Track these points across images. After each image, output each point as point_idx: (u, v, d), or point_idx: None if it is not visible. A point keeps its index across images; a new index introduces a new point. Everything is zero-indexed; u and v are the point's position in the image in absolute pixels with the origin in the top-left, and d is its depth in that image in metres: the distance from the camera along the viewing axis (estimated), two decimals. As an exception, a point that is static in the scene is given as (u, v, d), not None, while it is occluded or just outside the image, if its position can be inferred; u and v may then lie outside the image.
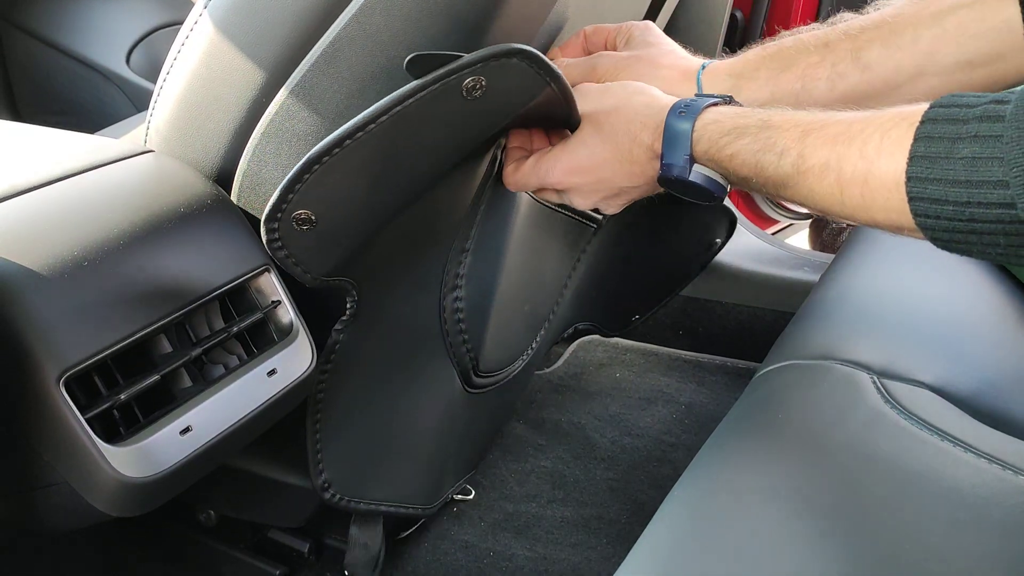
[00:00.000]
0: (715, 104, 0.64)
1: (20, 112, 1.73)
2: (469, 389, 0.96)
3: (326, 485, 0.83)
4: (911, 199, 0.51)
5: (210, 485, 0.73)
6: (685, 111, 0.63)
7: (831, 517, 0.58)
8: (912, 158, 0.51)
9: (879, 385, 0.70)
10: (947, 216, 0.50)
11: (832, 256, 1.13)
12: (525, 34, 0.68)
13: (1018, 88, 0.49)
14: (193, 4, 0.66)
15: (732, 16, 1.52)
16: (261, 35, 0.64)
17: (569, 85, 0.65)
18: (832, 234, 1.75)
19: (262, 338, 0.67)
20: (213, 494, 0.93)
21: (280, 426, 0.70)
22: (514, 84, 0.61)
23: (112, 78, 1.64)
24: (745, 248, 1.40)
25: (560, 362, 1.41)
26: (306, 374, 0.68)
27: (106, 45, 1.66)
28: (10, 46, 1.69)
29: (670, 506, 0.64)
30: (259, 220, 0.68)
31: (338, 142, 0.59)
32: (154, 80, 0.69)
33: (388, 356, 0.83)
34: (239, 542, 1.01)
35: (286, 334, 0.67)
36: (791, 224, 1.81)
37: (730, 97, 0.66)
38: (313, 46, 0.62)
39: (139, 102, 1.62)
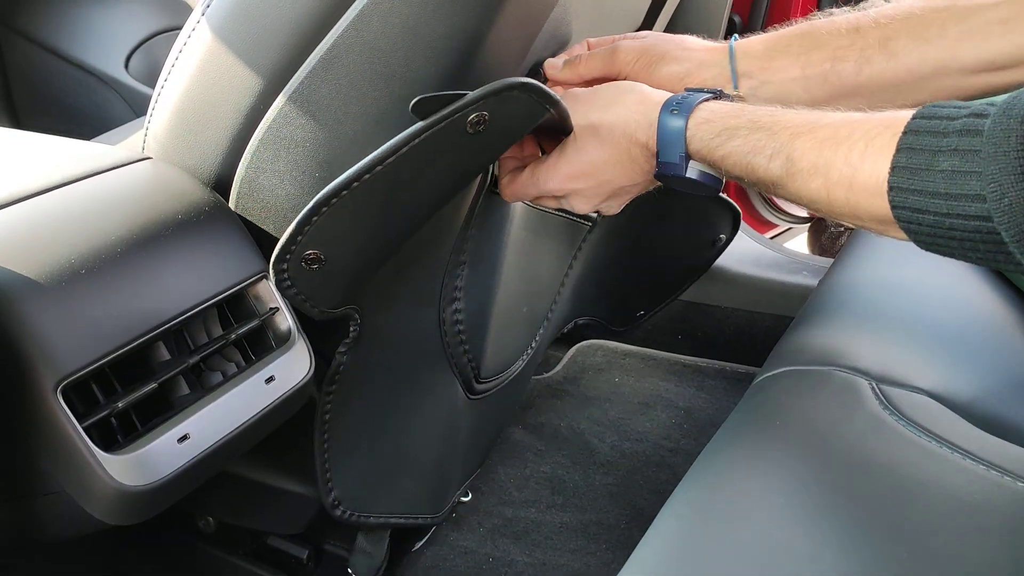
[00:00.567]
0: (707, 100, 0.64)
1: (19, 117, 1.73)
2: (471, 396, 0.96)
3: (336, 503, 0.84)
4: (893, 207, 0.53)
5: (209, 492, 0.73)
6: (678, 108, 0.64)
7: (830, 523, 0.58)
8: (894, 168, 0.52)
9: (878, 391, 0.70)
10: (928, 224, 0.52)
11: (831, 260, 1.13)
12: (523, 41, 0.68)
13: (1000, 98, 0.49)
14: (192, 9, 0.66)
15: (730, 20, 1.52)
16: (259, 42, 0.64)
17: (566, 107, 0.65)
18: (831, 238, 1.75)
19: (260, 345, 0.67)
20: (212, 501, 0.93)
21: (279, 433, 0.70)
22: (516, 115, 0.62)
23: (111, 83, 1.64)
24: (744, 252, 1.40)
25: (559, 367, 1.41)
26: (304, 381, 0.68)
27: (105, 50, 1.66)
28: (9, 51, 1.69)
29: (669, 512, 0.64)
30: (257, 226, 0.68)
31: (346, 185, 0.59)
32: (153, 85, 0.69)
33: (391, 372, 0.84)
34: (238, 549, 1.01)
35: (284, 341, 0.67)
36: (790, 228, 1.81)
37: (720, 91, 0.66)
38: (311, 53, 0.62)
39: (138, 107, 1.63)
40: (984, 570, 0.54)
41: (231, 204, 0.68)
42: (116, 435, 0.57)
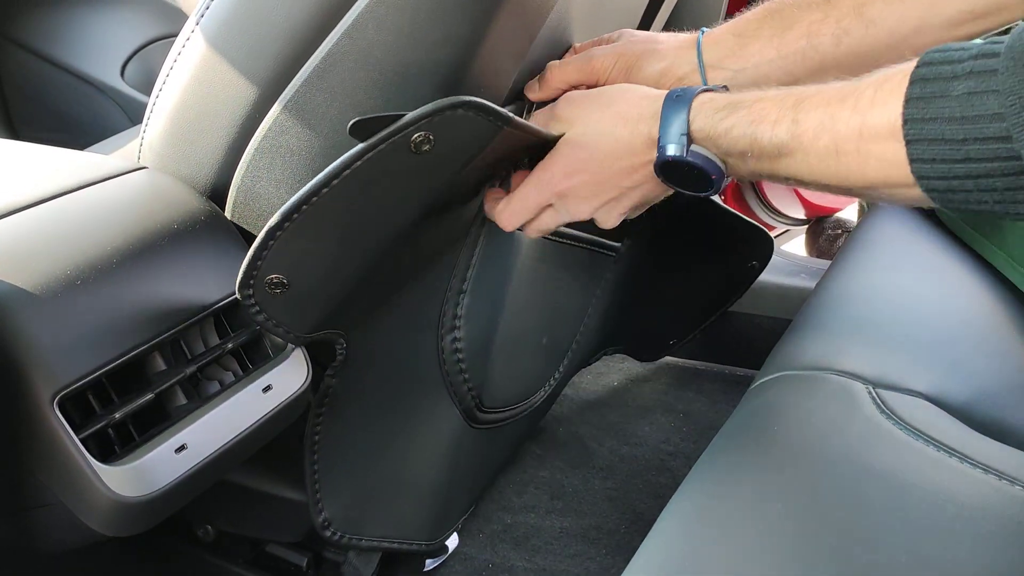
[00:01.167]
0: (709, 90, 0.63)
1: (15, 126, 1.73)
2: (475, 425, 0.95)
3: (326, 524, 0.84)
4: (908, 142, 0.51)
5: (208, 500, 0.73)
6: (681, 95, 0.63)
7: (828, 527, 0.58)
8: (908, 100, 0.51)
9: (874, 395, 0.70)
10: (943, 158, 0.50)
11: (828, 263, 1.13)
12: (520, 45, 0.68)
13: (1015, 27, 0.49)
14: (187, 17, 0.66)
15: (727, 18, 1.52)
16: (254, 51, 0.64)
17: (527, 122, 0.64)
18: (828, 240, 1.75)
19: (257, 354, 0.67)
20: (211, 509, 0.93)
21: (277, 441, 0.70)
22: (464, 134, 0.60)
23: (107, 91, 1.64)
24: (741, 255, 1.40)
25: (557, 371, 1.41)
26: (301, 390, 0.68)
27: (101, 58, 1.66)
28: (4, 60, 1.69)
29: (669, 516, 0.64)
30: (253, 235, 0.68)
31: (296, 207, 0.58)
32: (149, 93, 0.69)
33: (384, 397, 0.83)
34: (237, 557, 1.01)
35: (281, 350, 0.67)
36: (787, 231, 1.81)
37: (724, 87, 0.66)
38: (306, 62, 0.62)
39: (134, 115, 1.63)
40: (982, 574, 0.54)
41: (227, 213, 0.68)
42: (113, 446, 0.57)
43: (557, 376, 1.06)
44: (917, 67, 0.51)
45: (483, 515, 1.14)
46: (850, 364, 0.74)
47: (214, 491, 0.70)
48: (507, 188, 0.71)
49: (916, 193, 0.53)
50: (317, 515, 0.83)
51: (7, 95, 1.71)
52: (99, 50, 1.67)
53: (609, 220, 0.70)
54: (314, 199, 0.58)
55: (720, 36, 0.74)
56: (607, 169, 0.66)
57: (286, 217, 0.59)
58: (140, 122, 0.72)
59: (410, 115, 0.57)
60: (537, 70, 0.75)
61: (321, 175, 0.58)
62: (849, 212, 1.76)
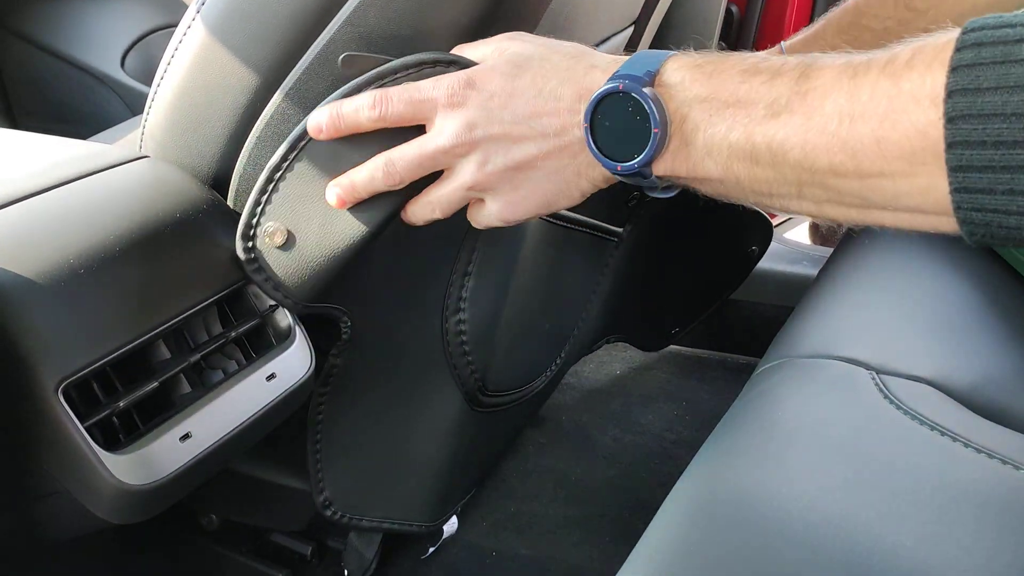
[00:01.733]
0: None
1: (15, 117, 1.73)
2: (477, 409, 0.96)
3: (327, 503, 0.84)
4: (950, 119, 0.39)
5: (212, 489, 0.73)
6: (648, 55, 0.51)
7: (831, 513, 0.58)
8: (954, 69, 0.39)
9: (878, 381, 0.70)
10: (995, 140, 0.38)
11: (830, 250, 1.13)
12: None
13: None
14: (187, 6, 0.66)
15: (728, 11, 1.52)
16: (255, 39, 0.64)
17: None
18: (831, 228, 1.75)
19: (260, 343, 0.67)
20: (215, 498, 0.93)
21: (281, 430, 0.70)
22: None
23: (107, 82, 1.64)
24: (744, 243, 1.40)
25: (560, 360, 1.41)
26: (305, 378, 0.68)
27: (101, 49, 1.66)
28: (4, 51, 1.69)
29: (672, 504, 0.64)
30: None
31: (294, 143, 0.59)
32: (149, 83, 0.69)
33: (388, 378, 0.83)
34: (241, 546, 1.01)
35: (284, 338, 0.67)
36: (789, 219, 1.81)
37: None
38: (307, 49, 0.62)
39: (134, 105, 1.63)
40: (986, 558, 0.54)
41: (229, 202, 0.68)
42: (118, 434, 0.57)
43: (559, 362, 1.06)
44: (965, 32, 0.40)
45: (486, 503, 1.14)
46: (853, 350, 0.74)
47: (218, 480, 0.70)
48: None
49: (943, 195, 0.41)
50: (319, 494, 0.83)
51: (7, 86, 1.71)
52: (99, 40, 1.67)
53: (529, 207, 0.58)
54: (307, 140, 0.59)
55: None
56: (524, 104, 0.55)
57: (284, 156, 0.59)
58: (140, 113, 0.72)
59: (397, 61, 0.57)
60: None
61: (316, 109, 0.58)
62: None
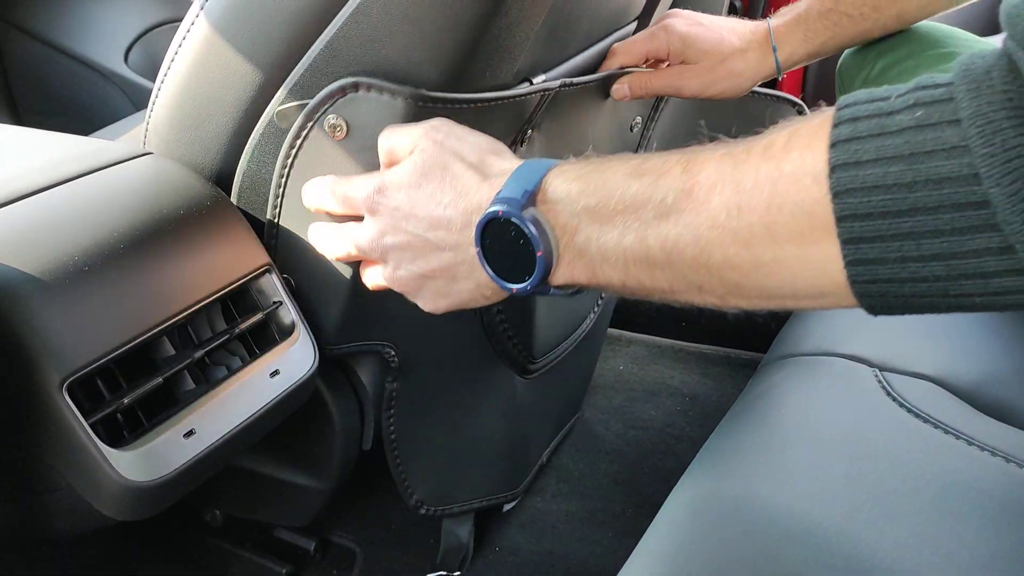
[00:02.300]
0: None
1: (19, 112, 1.73)
2: (528, 376, 0.97)
3: (419, 504, 0.91)
4: (836, 195, 0.40)
5: (216, 485, 0.73)
6: (541, 163, 0.52)
7: (834, 509, 0.58)
8: (834, 144, 0.40)
9: (881, 378, 0.70)
10: (881, 210, 0.38)
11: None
12: (525, 30, 0.68)
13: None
14: (191, 2, 0.66)
15: (731, 6, 1.51)
16: (259, 35, 0.64)
17: (443, 94, 0.62)
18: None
19: (264, 339, 0.67)
20: (219, 494, 0.94)
21: (285, 426, 0.70)
22: (373, 114, 0.61)
23: (111, 77, 1.64)
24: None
25: (563, 355, 1.41)
26: (309, 374, 0.68)
27: (104, 44, 1.66)
28: (8, 46, 1.69)
29: (675, 500, 0.65)
30: (259, 220, 0.68)
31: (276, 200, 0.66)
32: (153, 78, 0.69)
33: (443, 383, 0.87)
34: (245, 541, 1.01)
35: (288, 334, 0.67)
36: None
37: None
38: (311, 46, 0.62)
39: (138, 100, 1.63)
40: (988, 555, 0.54)
41: (233, 198, 0.68)
42: (122, 431, 0.57)
43: (596, 310, 1.07)
44: (840, 108, 0.41)
45: (489, 499, 1.14)
46: (856, 348, 0.74)
47: (222, 476, 0.70)
48: None
49: (834, 263, 0.41)
50: (409, 498, 0.89)
51: (11, 81, 1.72)
52: (102, 35, 1.67)
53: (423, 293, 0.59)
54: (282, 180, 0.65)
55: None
56: (420, 193, 0.56)
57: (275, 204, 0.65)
58: (143, 107, 0.72)
59: (319, 95, 0.61)
60: (541, 56, 0.75)
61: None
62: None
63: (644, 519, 0.64)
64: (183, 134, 0.68)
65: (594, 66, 0.84)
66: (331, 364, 0.73)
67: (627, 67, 0.84)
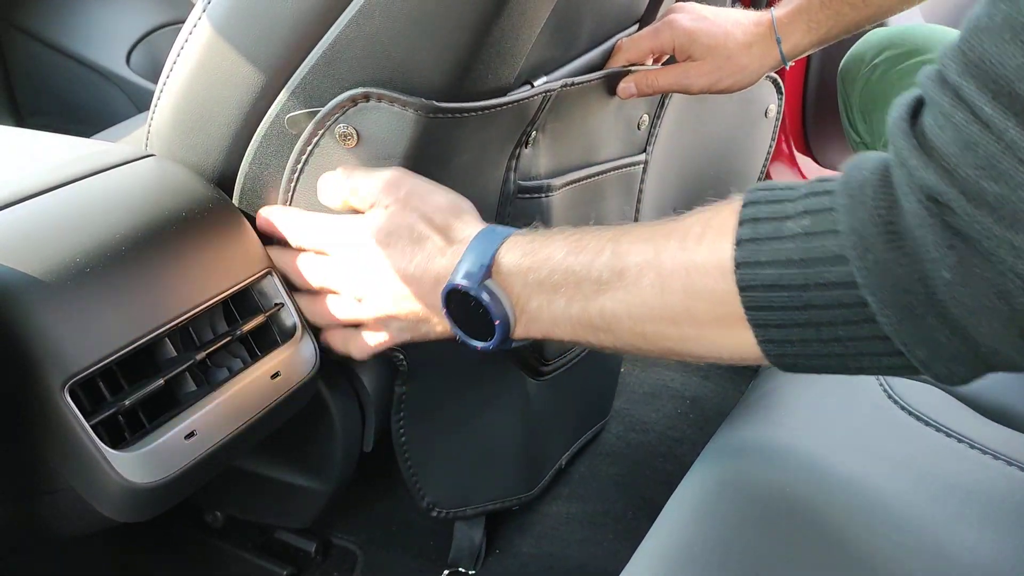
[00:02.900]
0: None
1: (22, 114, 1.73)
2: (541, 378, 0.97)
3: (431, 507, 0.90)
4: (742, 289, 0.45)
5: (217, 487, 0.73)
6: (495, 231, 0.58)
7: (835, 513, 0.58)
8: (739, 243, 0.45)
9: (882, 382, 0.70)
10: (781, 305, 0.44)
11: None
12: (527, 32, 0.68)
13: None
14: (193, 3, 0.66)
15: (733, 5, 1.51)
16: (261, 37, 0.64)
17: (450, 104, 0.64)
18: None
19: (265, 341, 0.67)
20: (220, 496, 0.94)
21: (286, 427, 0.70)
22: (383, 124, 0.62)
23: (112, 79, 1.64)
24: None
25: (564, 358, 1.41)
26: (310, 376, 0.68)
27: (106, 46, 1.66)
28: (10, 48, 1.69)
29: (676, 503, 0.65)
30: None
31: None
32: (155, 80, 0.69)
33: (453, 386, 0.86)
34: (246, 543, 1.01)
35: (289, 336, 0.67)
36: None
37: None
38: (313, 48, 0.62)
39: (140, 102, 1.63)
40: (990, 559, 0.54)
41: (235, 200, 0.68)
42: (123, 432, 0.57)
43: None
44: (744, 206, 0.46)
45: (490, 501, 1.14)
46: (858, 350, 0.74)
47: (223, 477, 0.70)
48: None
49: (750, 352, 0.46)
50: (421, 501, 0.89)
51: (13, 83, 1.72)
52: (104, 37, 1.67)
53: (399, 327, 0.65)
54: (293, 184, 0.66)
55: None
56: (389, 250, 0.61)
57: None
58: (145, 109, 0.72)
59: (329, 105, 0.62)
60: (544, 58, 0.75)
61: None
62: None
63: (645, 521, 0.64)
64: (185, 136, 0.68)
65: (597, 68, 0.84)
66: (332, 366, 0.73)
67: (631, 64, 0.84)
